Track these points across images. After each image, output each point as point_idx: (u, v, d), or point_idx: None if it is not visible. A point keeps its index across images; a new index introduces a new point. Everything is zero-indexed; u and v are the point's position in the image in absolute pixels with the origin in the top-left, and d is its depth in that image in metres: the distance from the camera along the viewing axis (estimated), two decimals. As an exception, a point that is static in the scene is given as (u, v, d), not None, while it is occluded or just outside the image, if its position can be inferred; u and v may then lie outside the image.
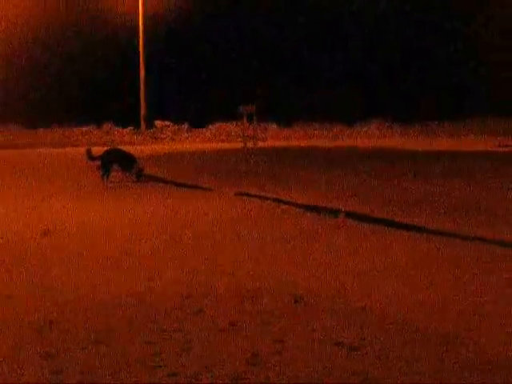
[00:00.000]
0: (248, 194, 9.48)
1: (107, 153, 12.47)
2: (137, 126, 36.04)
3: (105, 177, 12.10)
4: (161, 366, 3.16)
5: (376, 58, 38.42)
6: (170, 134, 35.69)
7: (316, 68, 38.61)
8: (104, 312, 4.02)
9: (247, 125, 22.41)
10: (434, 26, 38.00)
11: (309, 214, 7.74)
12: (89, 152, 12.39)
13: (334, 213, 7.51)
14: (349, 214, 7.33)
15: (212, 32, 38.26)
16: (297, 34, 38.28)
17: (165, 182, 12.04)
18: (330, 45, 38.80)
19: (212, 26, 38.15)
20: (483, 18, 36.47)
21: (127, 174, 12.20)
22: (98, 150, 12.93)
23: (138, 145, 29.85)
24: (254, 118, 22.15)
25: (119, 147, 13.95)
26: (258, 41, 38.15)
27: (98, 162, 12.25)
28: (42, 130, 35.27)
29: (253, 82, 36.15)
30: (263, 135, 30.51)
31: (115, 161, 12.25)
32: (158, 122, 36.25)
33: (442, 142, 26.21)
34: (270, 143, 25.61)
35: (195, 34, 38.19)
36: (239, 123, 27.61)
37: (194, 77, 37.98)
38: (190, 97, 37.25)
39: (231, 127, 34.96)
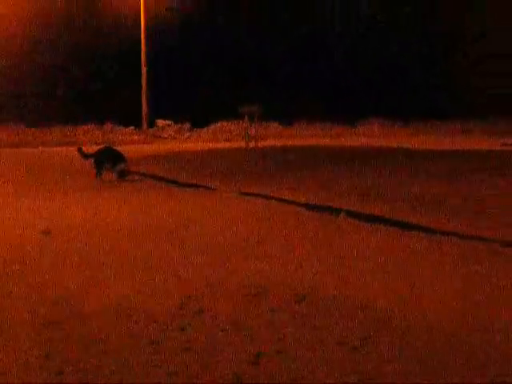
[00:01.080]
0: (251, 194, 9.47)
1: (100, 152, 12.55)
2: (138, 125, 36.06)
3: (98, 175, 12.21)
4: (161, 366, 3.14)
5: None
6: (172, 133, 35.73)
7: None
8: (104, 311, 4.01)
9: (249, 124, 22.38)
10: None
11: (311, 213, 7.73)
12: (80, 150, 12.57)
13: (336, 212, 7.51)
14: (351, 213, 7.32)
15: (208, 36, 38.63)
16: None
17: (167, 181, 12.02)
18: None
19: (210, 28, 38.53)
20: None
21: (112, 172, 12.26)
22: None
23: (140, 144, 29.86)
24: (256, 117, 22.12)
25: (112, 146, 13.87)
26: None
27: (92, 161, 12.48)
28: (43, 128, 35.29)
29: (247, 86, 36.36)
30: (264, 134, 30.50)
31: (106, 159, 12.30)
32: (159, 121, 36.29)
33: (444, 141, 26.19)
34: (271, 142, 25.60)
35: (193, 33, 38.41)
36: (241, 122, 27.64)
37: (192, 76, 38.13)
38: (189, 96, 37.33)
39: (232, 126, 35.00)
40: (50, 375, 3.07)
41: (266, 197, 9.03)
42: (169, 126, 36.26)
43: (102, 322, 3.81)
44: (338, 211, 7.50)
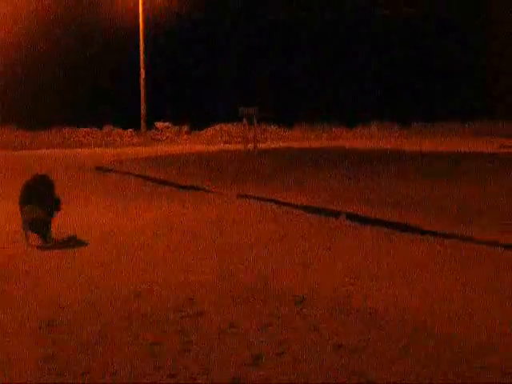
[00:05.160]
0: (249, 196, 9.48)
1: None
2: (137, 127, 36.03)
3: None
4: (161, 367, 3.16)
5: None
6: (171, 135, 35.71)
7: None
8: (104, 313, 4.02)
9: (248, 126, 22.39)
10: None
11: (310, 216, 7.75)
12: None
13: (335, 214, 7.52)
14: (350, 216, 7.33)
15: (205, 35, 38.73)
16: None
17: (166, 183, 12.02)
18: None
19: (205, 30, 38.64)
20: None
21: None
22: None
23: (138, 146, 29.87)
24: (255, 119, 22.13)
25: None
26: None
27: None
28: (42, 131, 35.24)
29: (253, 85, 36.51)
30: (264, 136, 30.49)
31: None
32: (158, 124, 36.26)
33: (443, 143, 26.19)
34: (270, 144, 25.61)
35: (191, 35, 38.51)
36: (240, 125, 27.62)
37: (191, 77, 38.21)
38: (188, 97, 37.39)
39: (231, 129, 34.97)
40: (52, 376, 3.09)
41: (265, 199, 9.04)
42: (168, 128, 36.22)
43: (102, 323, 3.82)
44: (337, 213, 7.51)
